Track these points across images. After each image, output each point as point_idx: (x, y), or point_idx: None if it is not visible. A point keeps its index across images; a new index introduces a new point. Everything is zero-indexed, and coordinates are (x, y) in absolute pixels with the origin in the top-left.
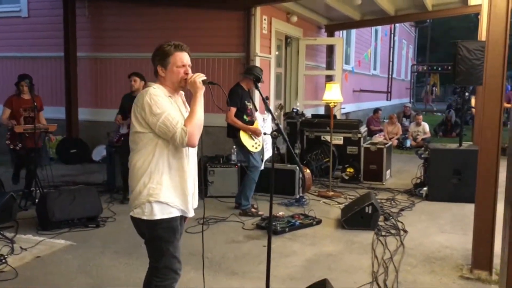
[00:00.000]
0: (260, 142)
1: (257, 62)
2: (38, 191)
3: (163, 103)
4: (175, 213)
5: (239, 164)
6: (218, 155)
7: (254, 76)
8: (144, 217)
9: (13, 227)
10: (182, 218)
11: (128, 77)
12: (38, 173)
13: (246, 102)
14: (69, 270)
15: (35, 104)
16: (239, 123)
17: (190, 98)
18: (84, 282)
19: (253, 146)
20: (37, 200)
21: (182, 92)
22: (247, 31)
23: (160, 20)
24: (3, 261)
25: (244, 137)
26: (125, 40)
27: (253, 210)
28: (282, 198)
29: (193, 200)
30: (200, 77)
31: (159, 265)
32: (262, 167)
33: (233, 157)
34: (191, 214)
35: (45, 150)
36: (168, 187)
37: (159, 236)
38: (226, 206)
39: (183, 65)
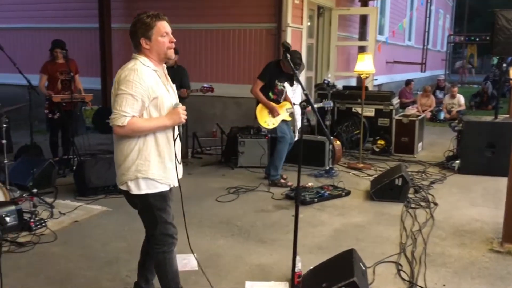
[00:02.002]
0: (275, 121)
1: (289, 33)
2: (76, 158)
3: (136, 84)
4: (162, 188)
5: (269, 135)
6: (249, 126)
7: (292, 62)
8: (132, 192)
9: (53, 193)
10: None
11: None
12: (75, 141)
13: (276, 81)
14: (104, 234)
15: (70, 69)
16: (260, 95)
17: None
18: (119, 246)
19: (265, 122)
20: (74, 168)
21: (164, 65)
22: (278, 0)
23: None
24: (44, 224)
25: (260, 110)
26: (158, 10)
27: (282, 181)
28: (311, 169)
29: (179, 170)
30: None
31: (156, 233)
32: (296, 138)
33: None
34: (176, 184)
35: (81, 120)
36: (155, 163)
37: (151, 205)
38: (255, 177)
39: (166, 33)
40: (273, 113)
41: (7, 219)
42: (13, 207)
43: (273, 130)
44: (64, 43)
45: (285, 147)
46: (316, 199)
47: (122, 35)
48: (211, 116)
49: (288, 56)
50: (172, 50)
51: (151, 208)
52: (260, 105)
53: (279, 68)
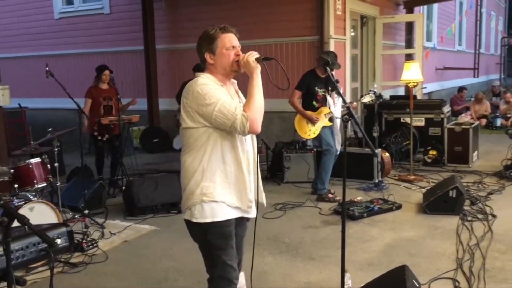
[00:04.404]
0: (315, 130)
1: (331, 45)
2: (125, 179)
3: (215, 91)
4: (230, 215)
5: (315, 149)
6: (294, 140)
7: (322, 60)
8: (194, 220)
9: (103, 213)
10: (244, 219)
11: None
12: (124, 162)
13: (316, 88)
14: (154, 253)
15: (116, 92)
16: (298, 106)
17: (245, 85)
18: (168, 265)
19: (305, 133)
20: (123, 188)
21: (234, 81)
22: (320, 12)
23: (232, 8)
24: (95, 245)
25: (298, 122)
26: (200, 30)
27: (329, 195)
28: (360, 183)
29: (255, 195)
30: (253, 55)
31: (213, 274)
32: (338, 151)
33: (309, 142)
34: (252, 213)
35: (129, 140)
36: (223, 185)
37: (210, 243)
38: (302, 192)
39: (233, 47)
40: (312, 121)
41: (58, 241)
42: (63, 229)
43: (318, 143)
44: (110, 69)
45: (331, 159)
46: (365, 214)
47: (166, 56)
48: None
49: (324, 55)
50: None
51: (210, 246)
52: (297, 117)
53: (316, 75)
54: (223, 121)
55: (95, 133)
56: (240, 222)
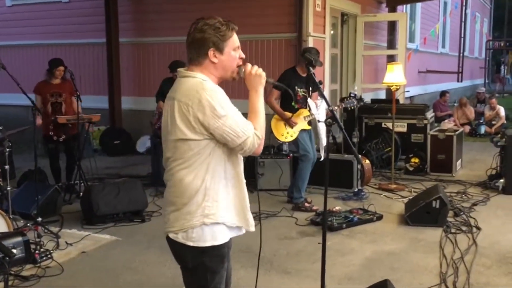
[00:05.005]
0: (293, 133)
1: (310, 43)
2: (82, 184)
3: (226, 101)
4: (228, 235)
5: (291, 155)
6: (269, 145)
7: (305, 58)
8: (190, 243)
9: (58, 222)
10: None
11: (170, 70)
12: (81, 165)
13: (296, 87)
14: (115, 266)
15: (77, 91)
16: (275, 106)
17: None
18: (131, 278)
19: (282, 135)
20: (81, 194)
21: None
22: (298, 8)
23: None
24: (49, 256)
25: (275, 123)
26: (169, 23)
27: (306, 204)
28: (339, 192)
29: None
30: (262, 72)
31: None
32: (322, 158)
33: (285, 147)
34: (251, 228)
35: (88, 141)
36: (225, 204)
37: (205, 266)
38: (277, 200)
39: (238, 48)
40: (289, 123)
41: (14, 251)
42: (20, 238)
43: (295, 147)
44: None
45: (308, 166)
46: (344, 225)
47: (131, 50)
48: None
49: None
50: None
51: (204, 269)
52: (274, 118)
53: (296, 74)
54: (231, 138)
55: (51, 133)
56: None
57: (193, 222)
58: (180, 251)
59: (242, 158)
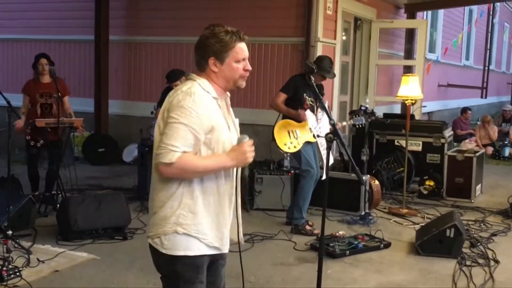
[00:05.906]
0: (297, 143)
1: (319, 49)
2: (60, 195)
3: (192, 112)
4: (203, 251)
5: (293, 171)
6: (268, 159)
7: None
8: (163, 251)
9: (31, 236)
10: (220, 254)
11: (167, 81)
12: (61, 174)
13: (305, 94)
14: None
15: (58, 90)
16: (282, 106)
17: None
18: None
19: (285, 145)
20: (58, 205)
21: (228, 94)
22: (307, 11)
23: None
24: (18, 274)
25: (278, 130)
26: (163, 21)
27: (307, 227)
28: (343, 215)
29: (231, 232)
30: (251, 158)
31: None
32: (324, 177)
33: (286, 162)
34: (224, 249)
35: (69, 148)
36: (201, 217)
37: (177, 274)
38: (275, 221)
39: (244, 59)
40: (300, 118)
41: None
42: None
43: (297, 162)
44: (49, 57)
45: (310, 183)
46: (347, 251)
47: (121, 49)
48: None
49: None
50: (245, 79)
51: (176, 277)
52: (279, 124)
53: (303, 80)
54: (161, 139)
55: (27, 137)
56: (215, 257)
57: (165, 228)
58: (155, 257)
59: (231, 174)
